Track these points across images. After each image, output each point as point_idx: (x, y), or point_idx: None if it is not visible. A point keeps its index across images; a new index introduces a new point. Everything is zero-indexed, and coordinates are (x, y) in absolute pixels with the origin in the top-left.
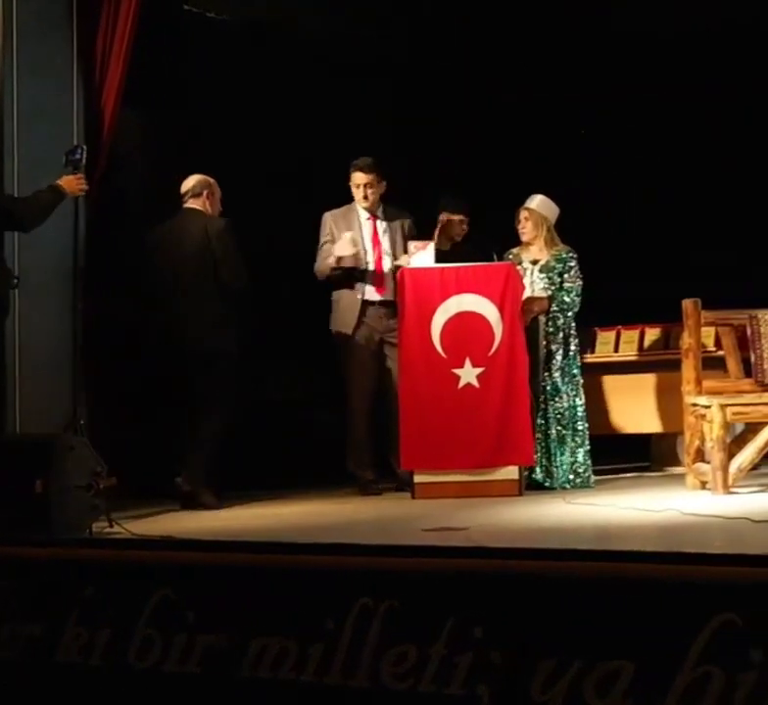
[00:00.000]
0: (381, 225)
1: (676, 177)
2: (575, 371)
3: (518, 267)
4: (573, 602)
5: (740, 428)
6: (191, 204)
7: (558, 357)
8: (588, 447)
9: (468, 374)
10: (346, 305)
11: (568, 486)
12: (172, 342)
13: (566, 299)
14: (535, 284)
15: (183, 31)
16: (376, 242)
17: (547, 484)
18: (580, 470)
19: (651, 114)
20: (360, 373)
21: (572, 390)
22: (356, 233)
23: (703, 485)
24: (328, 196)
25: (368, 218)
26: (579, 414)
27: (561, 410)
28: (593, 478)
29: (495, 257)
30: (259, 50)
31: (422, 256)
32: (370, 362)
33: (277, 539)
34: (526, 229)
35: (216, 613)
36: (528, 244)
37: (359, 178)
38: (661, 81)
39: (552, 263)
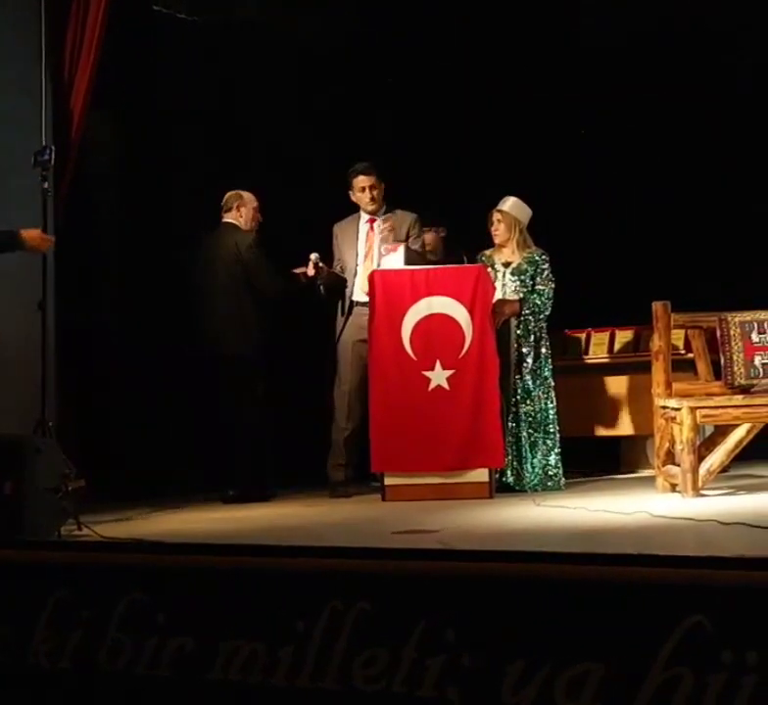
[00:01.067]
0: (378, 227)
1: (645, 179)
2: (546, 374)
3: (490, 270)
4: (543, 604)
5: (709, 430)
6: (226, 218)
7: (529, 360)
8: (559, 450)
9: (439, 376)
10: (340, 307)
11: (539, 488)
12: (210, 350)
13: (538, 301)
14: (506, 287)
15: (153, 33)
16: (369, 245)
17: (517, 487)
18: (551, 473)
19: (619, 116)
20: (343, 373)
21: (544, 393)
22: (351, 238)
23: (673, 487)
24: (308, 195)
25: (367, 221)
26: (550, 417)
27: (533, 413)
28: (563, 481)
29: (465, 259)
30: (230, 50)
31: (393, 257)
32: (354, 363)
33: (246, 541)
34: (499, 231)
35: (186, 615)
36: (501, 246)
37: (363, 181)
38: (630, 83)
39: (524, 266)
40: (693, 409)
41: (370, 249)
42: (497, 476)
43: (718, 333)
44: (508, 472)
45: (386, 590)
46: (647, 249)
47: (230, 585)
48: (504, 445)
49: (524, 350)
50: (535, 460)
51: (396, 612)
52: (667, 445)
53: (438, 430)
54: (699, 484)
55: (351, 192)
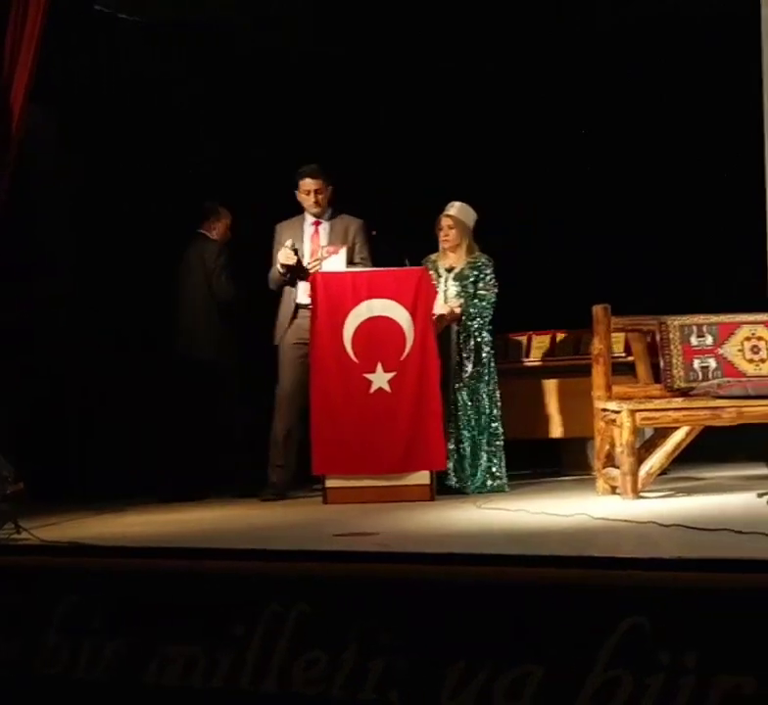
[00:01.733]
0: (324, 230)
1: (586, 182)
2: (488, 378)
3: (433, 274)
4: (483, 606)
5: (649, 433)
6: (201, 228)
7: (470, 365)
8: (503, 453)
9: (380, 379)
10: (282, 309)
11: (483, 491)
12: (180, 354)
13: (479, 306)
14: (448, 291)
15: (93, 32)
16: (315, 247)
17: (461, 490)
18: (496, 475)
19: (560, 119)
20: (284, 375)
21: (487, 396)
22: (295, 239)
23: (613, 489)
24: (257, 198)
25: (313, 223)
26: (494, 420)
27: (476, 417)
28: (507, 483)
29: (407, 261)
30: (169, 50)
31: (334, 260)
32: (296, 365)
33: (186, 544)
34: (449, 237)
35: (124, 619)
36: (448, 251)
37: (309, 184)
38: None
39: (467, 271)
40: (632, 412)
41: (315, 251)
42: (441, 479)
43: (658, 336)
44: (452, 475)
45: (326, 593)
46: (587, 252)
47: (169, 588)
48: (447, 447)
49: (465, 354)
50: (478, 462)
51: (336, 615)
52: (607, 447)
53: (379, 432)
54: (639, 486)
55: (297, 192)
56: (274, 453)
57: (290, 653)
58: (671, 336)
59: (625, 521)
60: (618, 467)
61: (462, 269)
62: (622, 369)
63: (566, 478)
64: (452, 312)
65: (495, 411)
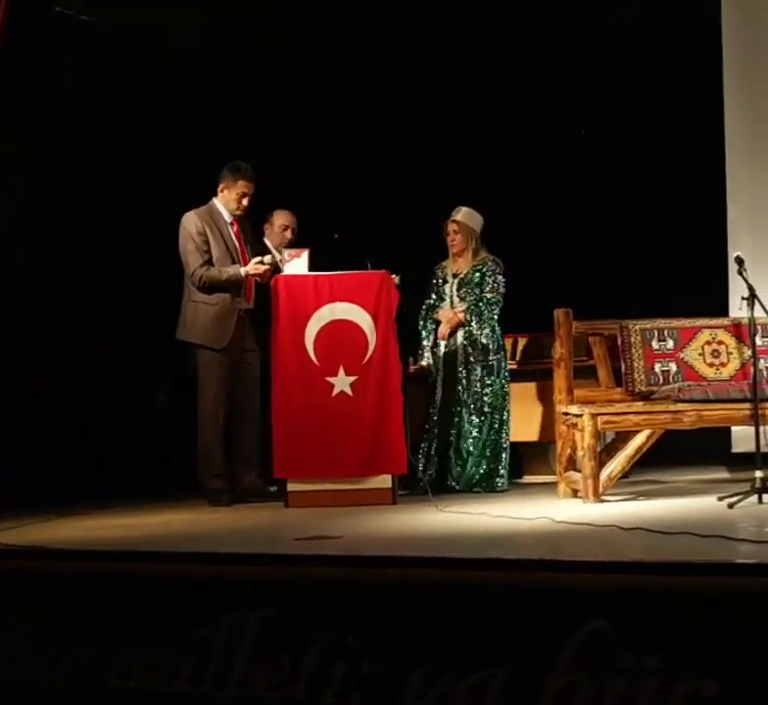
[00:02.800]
0: (239, 230)
1: (548, 186)
2: (495, 379)
3: (441, 279)
4: (445, 610)
5: (610, 436)
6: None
7: (479, 368)
8: (507, 453)
9: (342, 382)
10: (222, 314)
11: (487, 489)
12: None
13: (484, 309)
14: (453, 296)
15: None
16: (242, 248)
17: (468, 489)
18: (501, 474)
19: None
20: (220, 383)
21: (494, 398)
22: (219, 236)
23: (575, 493)
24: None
25: (231, 223)
26: (501, 422)
27: (482, 418)
28: (507, 483)
29: (369, 264)
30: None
31: (296, 263)
32: (231, 372)
33: (148, 548)
34: (456, 242)
35: (85, 623)
36: (456, 256)
37: (246, 187)
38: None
39: (472, 275)
40: (594, 416)
41: (243, 253)
42: (450, 483)
43: (619, 340)
44: (450, 475)
45: (289, 597)
46: (549, 256)
47: (130, 591)
48: (406, 451)
49: (471, 359)
50: (484, 462)
51: (298, 619)
52: (569, 451)
53: (341, 436)
54: (600, 489)
55: (224, 188)
56: (210, 463)
57: (253, 657)
58: (632, 340)
59: (587, 524)
60: (580, 471)
61: (468, 273)
62: (584, 373)
63: (528, 481)
64: (456, 317)
65: (501, 414)
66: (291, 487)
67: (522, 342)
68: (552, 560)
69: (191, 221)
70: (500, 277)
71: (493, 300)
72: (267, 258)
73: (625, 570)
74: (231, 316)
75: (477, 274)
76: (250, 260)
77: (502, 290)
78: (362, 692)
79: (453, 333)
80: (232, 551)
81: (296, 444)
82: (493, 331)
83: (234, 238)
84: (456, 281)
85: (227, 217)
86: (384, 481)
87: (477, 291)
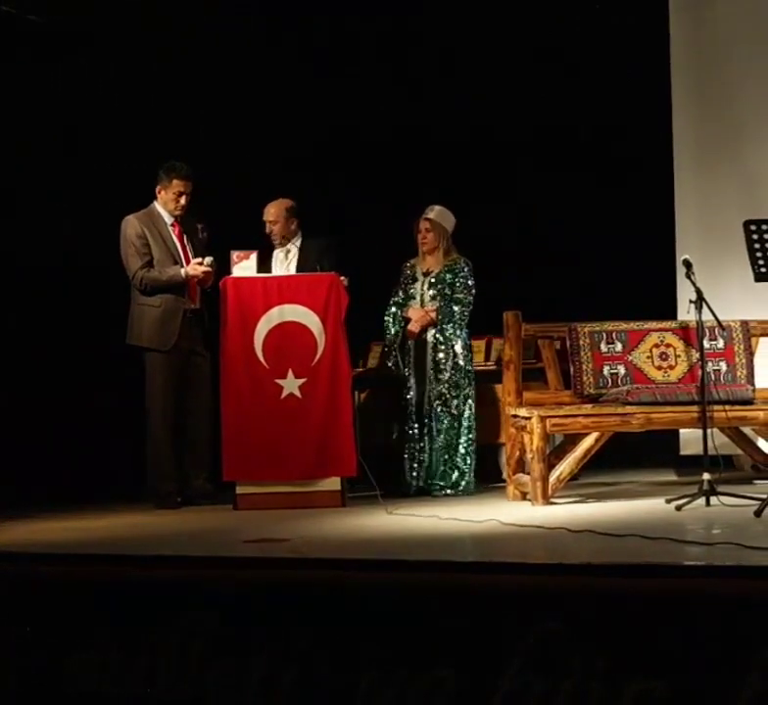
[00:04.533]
0: (181, 231)
1: (505, 189)
2: (465, 382)
3: (411, 278)
4: (395, 612)
5: (559, 439)
6: None
7: (447, 369)
8: (474, 457)
9: (291, 385)
10: (166, 315)
11: (454, 492)
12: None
13: (455, 310)
14: (424, 295)
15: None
16: (184, 249)
17: (434, 492)
18: (467, 476)
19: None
20: (169, 385)
21: (462, 400)
22: (160, 240)
23: (524, 495)
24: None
25: (172, 224)
26: (469, 424)
27: (450, 420)
28: (473, 484)
29: (318, 267)
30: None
31: (245, 265)
32: (179, 374)
33: (96, 551)
34: (427, 240)
35: (36, 627)
36: (426, 254)
37: (183, 186)
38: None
39: (443, 274)
40: (542, 418)
41: (187, 254)
42: (414, 483)
43: (568, 343)
44: (416, 478)
45: (237, 600)
46: (497, 258)
47: (80, 595)
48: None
49: (440, 357)
50: (453, 465)
51: (248, 622)
52: (518, 453)
53: (290, 438)
54: (549, 492)
55: (161, 189)
56: (162, 465)
57: (203, 660)
58: (581, 342)
59: (535, 527)
60: (529, 473)
61: (439, 272)
62: (533, 375)
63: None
64: (427, 316)
65: (470, 415)
66: (240, 489)
67: (473, 345)
68: (500, 562)
69: (130, 225)
70: (471, 280)
71: (464, 301)
72: (207, 261)
73: (573, 572)
74: (175, 317)
75: (449, 274)
76: (191, 261)
77: (473, 292)
78: (314, 695)
79: (422, 332)
80: (180, 554)
81: (245, 446)
82: (462, 332)
83: (176, 239)
84: (426, 280)
85: (167, 219)
86: (333, 483)
87: (448, 291)
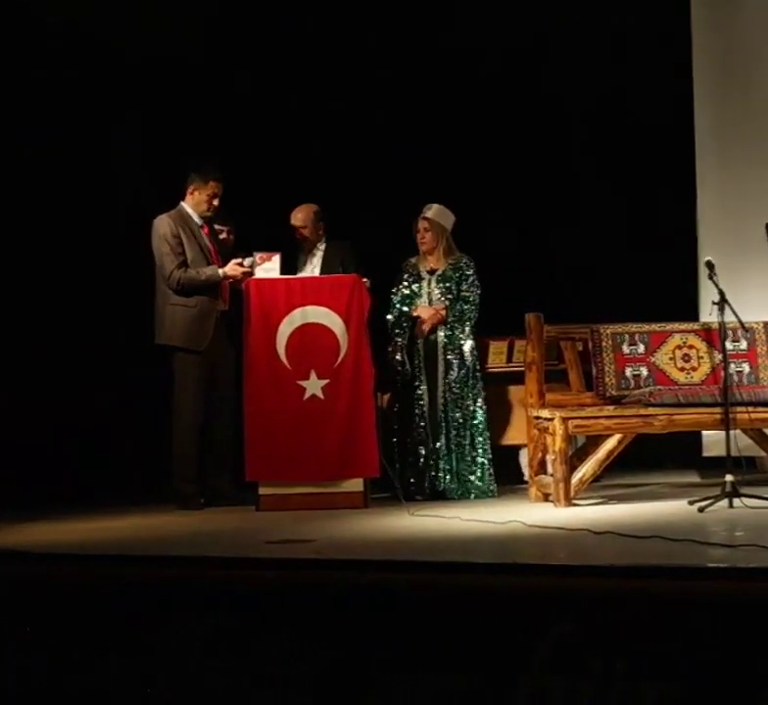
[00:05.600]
0: (210, 232)
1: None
2: (474, 381)
3: (414, 277)
4: (417, 613)
5: (582, 440)
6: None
7: (456, 368)
8: (490, 457)
9: (313, 386)
10: (201, 315)
11: (471, 495)
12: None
13: (464, 308)
14: (432, 294)
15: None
16: (215, 250)
17: (455, 496)
18: (485, 479)
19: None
20: (199, 385)
21: (472, 400)
22: (193, 240)
23: (546, 497)
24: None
25: (202, 226)
26: (480, 424)
27: (462, 421)
28: (495, 486)
29: (341, 269)
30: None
31: (268, 266)
32: (208, 374)
33: (115, 551)
34: (426, 239)
35: (38, 628)
36: (426, 254)
37: (217, 188)
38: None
39: (449, 273)
40: (565, 420)
41: (216, 255)
42: (428, 486)
43: (590, 344)
44: (434, 481)
45: (260, 601)
46: (521, 259)
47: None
48: (378, 454)
49: (450, 357)
50: (467, 467)
51: (268, 622)
52: (540, 455)
53: (313, 440)
54: (571, 493)
55: (194, 190)
56: (186, 466)
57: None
58: (603, 344)
59: (558, 528)
60: (551, 475)
61: (445, 271)
62: (555, 377)
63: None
64: (438, 315)
65: (480, 415)
66: (262, 490)
67: (493, 346)
68: (522, 564)
69: (164, 224)
70: (476, 278)
71: (472, 299)
72: (247, 261)
73: (596, 574)
74: (210, 318)
75: (455, 272)
76: (220, 262)
77: (479, 291)
78: (333, 695)
79: (431, 331)
80: (201, 555)
81: (267, 447)
82: (470, 331)
83: (207, 240)
84: (432, 278)
85: (198, 220)
86: (356, 484)
87: (455, 289)
